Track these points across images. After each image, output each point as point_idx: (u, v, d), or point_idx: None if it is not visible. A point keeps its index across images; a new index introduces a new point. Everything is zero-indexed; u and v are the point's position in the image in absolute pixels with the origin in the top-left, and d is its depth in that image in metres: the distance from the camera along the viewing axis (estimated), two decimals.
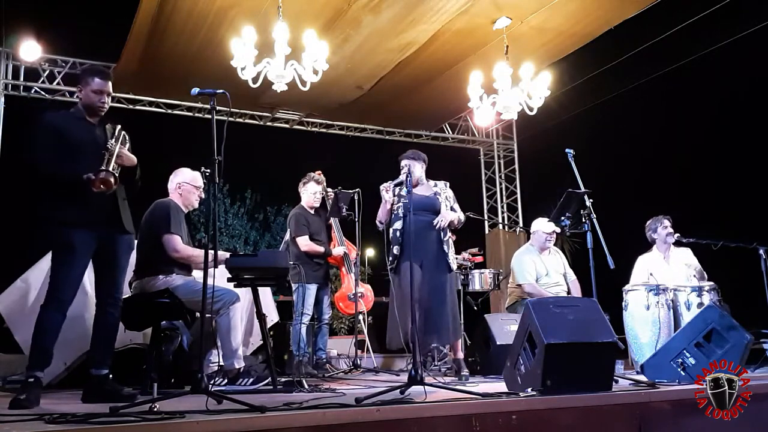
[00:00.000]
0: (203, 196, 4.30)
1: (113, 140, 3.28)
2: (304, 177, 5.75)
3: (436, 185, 4.79)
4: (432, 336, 4.58)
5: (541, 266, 5.62)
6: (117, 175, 3.16)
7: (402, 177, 4.43)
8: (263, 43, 5.55)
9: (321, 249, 5.57)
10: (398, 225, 4.58)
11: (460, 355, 4.69)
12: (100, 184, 3.08)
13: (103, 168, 3.11)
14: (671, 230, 5.49)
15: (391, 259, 4.55)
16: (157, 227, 3.99)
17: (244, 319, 4.42)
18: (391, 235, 4.61)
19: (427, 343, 4.86)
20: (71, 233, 3.19)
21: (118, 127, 3.39)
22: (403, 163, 4.66)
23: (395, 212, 4.61)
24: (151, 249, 3.97)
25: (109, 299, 3.35)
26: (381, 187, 4.60)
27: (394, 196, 4.58)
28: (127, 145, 3.37)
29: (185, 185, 4.21)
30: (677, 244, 5.52)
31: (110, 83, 3.39)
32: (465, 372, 4.56)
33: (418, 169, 4.71)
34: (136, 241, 4.01)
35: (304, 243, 5.49)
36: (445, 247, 4.62)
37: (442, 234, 4.61)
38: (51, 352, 3.17)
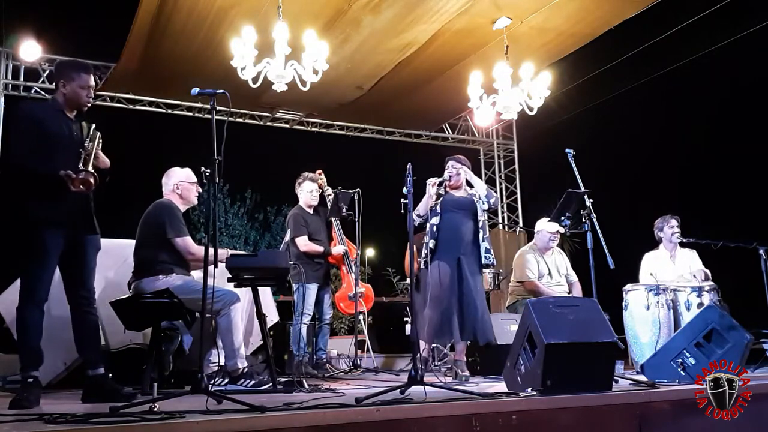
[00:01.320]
0: (200, 190, 4.30)
1: (89, 140, 3.25)
2: (298, 177, 5.75)
3: (473, 189, 4.86)
4: (461, 333, 4.59)
5: (543, 266, 5.63)
6: (96, 176, 3.14)
7: (445, 175, 4.72)
8: (263, 43, 5.55)
9: (320, 249, 5.56)
10: (435, 220, 4.69)
11: (462, 356, 4.69)
12: (80, 184, 3.06)
13: (83, 168, 3.09)
14: (678, 230, 5.50)
15: (426, 252, 4.61)
16: (159, 229, 3.97)
17: (244, 319, 4.42)
18: (427, 229, 4.70)
19: (447, 341, 4.94)
20: (43, 233, 3.14)
21: (93, 126, 3.36)
22: (450, 163, 4.81)
23: (433, 208, 4.70)
24: (150, 250, 3.96)
25: (83, 300, 3.29)
26: (427, 182, 4.69)
27: (434, 193, 4.71)
28: (100, 146, 3.33)
29: (183, 184, 4.21)
30: (681, 244, 5.54)
31: (92, 77, 3.38)
32: (465, 373, 4.57)
33: (462, 174, 4.82)
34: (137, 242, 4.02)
35: (303, 243, 5.49)
36: (486, 245, 4.68)
37: (481, 233, 4.67)
38: (40, 350, 3.15)
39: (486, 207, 4.76)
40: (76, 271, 3.30)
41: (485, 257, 4.66)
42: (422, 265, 4.75)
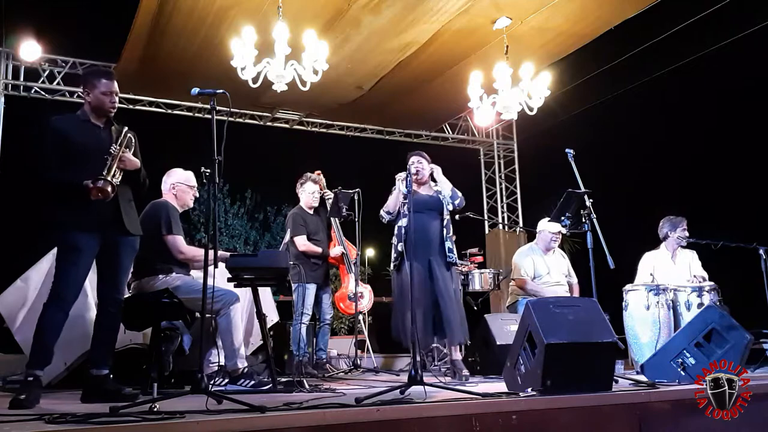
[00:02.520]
0: (197, 195, 4.31)
1: (117, 144, 3.29)
2: (300, 177, 5.75)
3: (437, 185, 4.81)
4: (434, 335, 4.57)
5: (543, 265, 5.63)
6: (114, 182, 3.17)
7: (412, 170, 4.57)
8: (263, 43, 5.55)
9: (318, 249, 5.57)
10: (403, 222, 4.63)
11: (459, 355, 4.69)
12: (98, 192, 3.10)
13: (101, 176, 3.13)
14: (687, 234, 5.50)
15: (395, 255, 4.57)
16: (156, 228, 3.98)
17: (244, 319, 4.42)
18: (396, 231, 4.64)
19: (428, 342, 4.88)
20: (76, 236, 3.21)
21: (125, 129, 3.40)
22: (414, 159, 4.74)
23: (401, 210, 4.65)
24: (148, 249, 3.95)
25: (111, 300, 3.37)
26: (397, 177, 4.63)
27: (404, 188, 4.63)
28: (134, 146, 3.39)
29: (179, 185, 4.22)
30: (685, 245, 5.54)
31: (116, 82, 3.41)
32: (465, 372, 4.57)
33: (428, 169, 4.77)
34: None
35: (302, 243, 5.49)
36: (449, 244, 4.65)
37: (445, 231, 4.65)
38: (52, 351, 3.18)
39: (451, 208, 4.73)
40: (108, 272, 3.37)
41: (448, 256, 4.64)
42: (392, 269, 4.69)
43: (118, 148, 3.27)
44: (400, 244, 4.58)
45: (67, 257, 3.23)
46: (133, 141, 3.40)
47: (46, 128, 3.32)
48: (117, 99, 3.42)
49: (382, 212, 4.75)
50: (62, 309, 3.19)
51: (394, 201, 4.64)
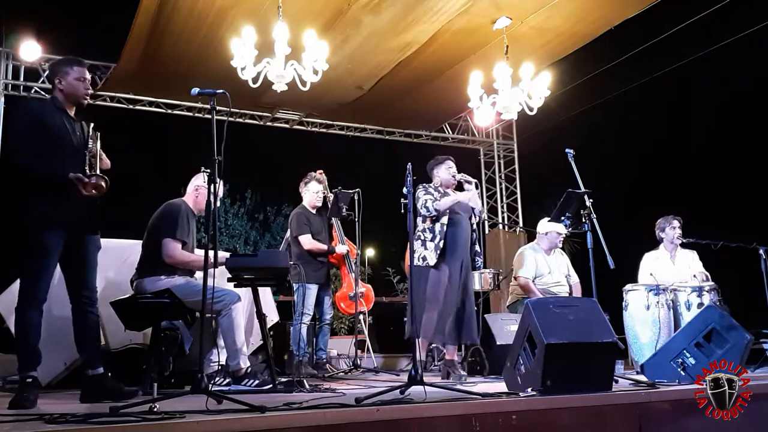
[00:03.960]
0: (218, 205, 4.25)
1: (91, 141, 3.24)
2: (305, 177, 5.74)
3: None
4: (462, 335, 4.64)
5: (544, 265, 5.63)
6: (108, 180, 3.12)
7: (456, 171, 4.74)
8: (263, 43, 5.55)
9: (324, 246, 5.57)
10: (444, 220, 4.65)
11: (455, 356, 4.71)
12: (92, 188, 3.06)
13: (93, 173, 3.09)
14: (679, 231, 5.51)
15: (438, 253, 4.56)
16: (159, 229, 3.97)
17: (245, 319, 4.41)
18: (438, 228, 4.62)
19: (459, 342, 4.98)
20: (44, 234, 3.13)
21: (92, 125, 3.34)
22: (451, 163, 4.83)
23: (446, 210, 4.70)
24: (154, 249, 3.95)
25: (84, 299, 3.29)
26: (468, 184, 4.69)
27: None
28: (99, 145, 3.32)
29: (203, 189, 4.11)
30: (682, 244, 5.54)
31: (87, 70, 3.39)
32: (462, 372, 4.58)
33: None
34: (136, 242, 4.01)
35: (307, 241, 5.49)
36: (477, 247, 4.78)
37: (474, 234, 4.70)
38: (38, 350, 3.14)
39: (476, 220, 4.82)
40: (78, 271, 3.30)
41: (476, 260, 4.76)
42: (423, 263, 4.69)
43: (94, 144, 3.22)
44: (441, 241, 4.60)
45: (36, 257, 3.12)
46: (99, 139, 3.32)
47: (21, 112, 3.26)
48: (90, 86, 3.37)
49: (430, 206, 4.68)
50: (36, 307, 3.12)
51: (449, 204, 4.64)
